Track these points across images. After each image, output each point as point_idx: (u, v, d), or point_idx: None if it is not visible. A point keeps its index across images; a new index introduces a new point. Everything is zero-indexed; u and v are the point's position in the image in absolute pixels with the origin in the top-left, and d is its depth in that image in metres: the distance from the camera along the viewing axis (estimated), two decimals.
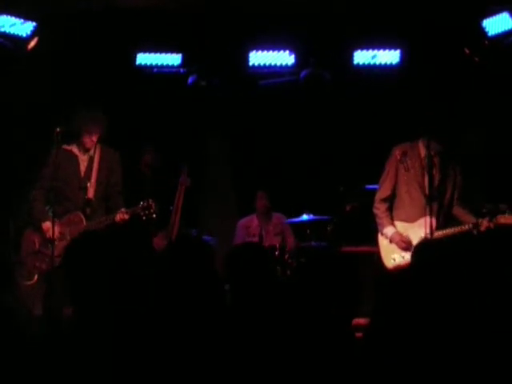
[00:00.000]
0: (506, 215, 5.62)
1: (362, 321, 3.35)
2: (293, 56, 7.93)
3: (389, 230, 5.97)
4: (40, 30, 7.28)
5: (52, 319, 5.24)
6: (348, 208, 7.88)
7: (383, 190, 6.08)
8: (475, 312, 2.76)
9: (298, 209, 7.89)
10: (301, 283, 3.36)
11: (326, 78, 8.04)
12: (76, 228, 5.96)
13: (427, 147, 5.81)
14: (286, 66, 7.99)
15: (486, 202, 6.04)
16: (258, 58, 7.94)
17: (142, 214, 5.95)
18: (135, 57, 7.90)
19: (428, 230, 5.69)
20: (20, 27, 7.22)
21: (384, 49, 7.90)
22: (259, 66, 7.95)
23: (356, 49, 7.91)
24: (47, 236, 5.95)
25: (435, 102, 6.78)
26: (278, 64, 7.96)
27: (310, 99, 8.36)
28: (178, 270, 3.17)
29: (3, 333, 2.94)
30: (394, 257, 5.93)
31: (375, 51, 7.89)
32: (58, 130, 5.88)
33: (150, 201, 5.95)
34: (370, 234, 6.26)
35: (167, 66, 7.98)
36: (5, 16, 7.15)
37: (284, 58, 7.95)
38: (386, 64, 7.92)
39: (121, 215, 5.95)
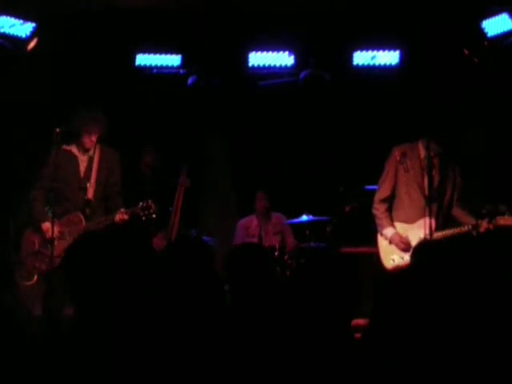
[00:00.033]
0: (506, 217, 5.63)
1: (361, 321, 3.35)
2: (292, 57, 7.94)
3: (388, 231, 5.97)
4: (40, 30, 7.29)
5: (51, 320, 5.24)
6: (347, 209, 7.88)
7: (382, 191, 6.09)
8: (474, 313, 2.76)
9: (298, 209, 7.89)
10: (300, 284, 3.36)
11: (325, 78, 8.04)
12: (75, 228, 5.96)
13: (426, 148, 5.82)
14: (286, 66, 8.00)
15: (486, 202, 6.04)
16: (258, 58, 7.95)
17: (141, 214, 5.95)
18: (135, 57, 7.90)
19: (427, 231, 5.69)
20: (19, 28, 7.22)
21: (383, 49, 7.91)
22: (259, 66, 7.96)
23: (355, 49, 7.92)
24: (47, 236, 5.96)
25: (435, 102, 6.79)
26: (278, 65, 7.97)
27: (309, 100, 8.36)
28: (177, 271, 3.17)
29: (3, 333, 2.95)
30: (394, 257, 5.94)
31: (375, 52, 7.90)
32: (58, 130, 5.89)
33: (150, 201, 5.94)
34: (370, 235, 6.26)
35: (167, 67, 7.99)
36: (4, 17, 7.15)
37: (284, 58, 7.95)
38: (385, 65, 7.93)
39: (120, 215, 5.95)
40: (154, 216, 5.97)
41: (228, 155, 8.98)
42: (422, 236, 5.71)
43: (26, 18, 7.22)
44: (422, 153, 5.93)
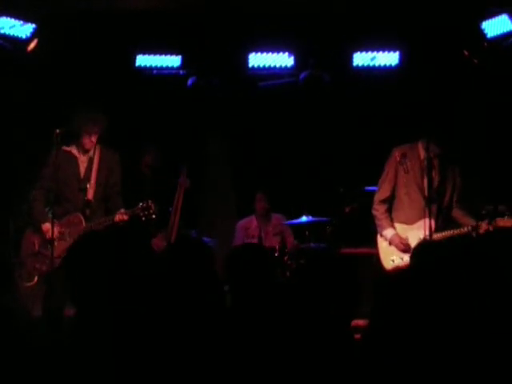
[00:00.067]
0: (505, 218, 5.62)
1: (361, 322, 3.35)
2: (292, 58, 7.94)
3: (388, 232, 5.98)
4: (40, 31, 7.29)
5: (52, 320, 5.24)
6: (347, 209, 7.88)
7: (382, 192, 6.09)
8: (474, 314, 2.76)
9: (298, 210, 7.89)
10: (300, 284, 3.36)
11: (325, 79, 8.04)
12: (75, 229, 5.96)
13: (426, 149, 5.82)
14: (286, 67, 8.00)
15: (486, 203, 6.04)
16: (258, 59, 7.95)
17: (141, 214, 5.96)
18: (135, 58, 7.91)
19: (427, 232, 5.69)
20: (19, 29, 7.23)
21: (383, 50, 7.91)
22: (259, 67, 7.97)
23: (355, 50, 7.91)
24: (47, 237, 5.96)
25: (434, 103, 6.79)
26: (278, 66, 7.97)
27: (309, 101, 8.36)
28: (177, 271, 3.18)
29: (3, 334, 2.95)
30: (393, 258, 5.94)
31: (374, 53, 7.90)
32: (58, 131, 5.89)
33: (150, 201, 5.95)
34: (369, 236, 6.27)
35: (167, 68, 7.99)
36: (4, 18, 7.15)
37: (283, 59, 7.95)
38: (385, 66, 7.93)
39: (120, 216, 5.96)
40: (153, 216, 5.98)
41: (228, 155, 8.98)
42: (422, 237, 5.71)
43: (26, 18, 7.23)
44: (422, 154, 5.93)
